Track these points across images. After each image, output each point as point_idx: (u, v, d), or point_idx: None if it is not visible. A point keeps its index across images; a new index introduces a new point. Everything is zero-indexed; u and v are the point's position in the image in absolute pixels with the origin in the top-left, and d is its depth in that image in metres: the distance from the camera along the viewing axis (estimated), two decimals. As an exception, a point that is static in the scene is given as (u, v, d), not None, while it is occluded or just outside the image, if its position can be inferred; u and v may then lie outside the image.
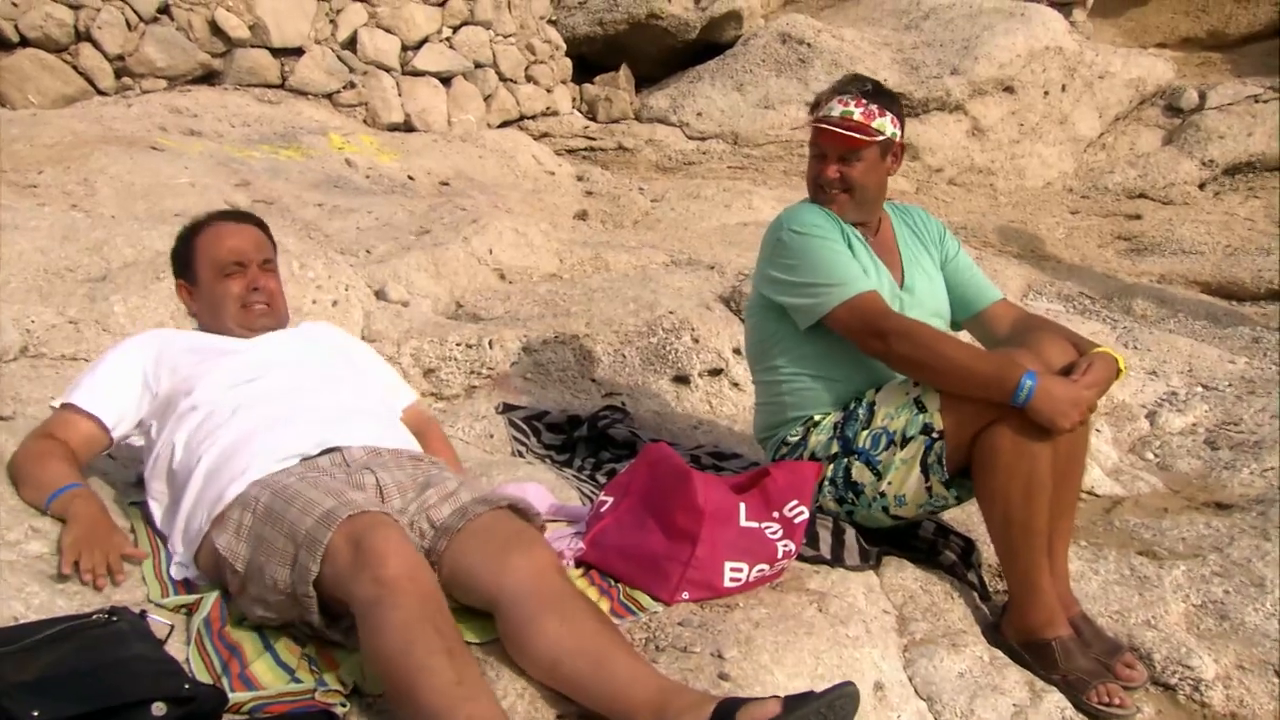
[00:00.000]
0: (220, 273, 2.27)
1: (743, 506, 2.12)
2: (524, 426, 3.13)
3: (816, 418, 2.48)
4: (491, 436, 3.06)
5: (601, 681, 1.60)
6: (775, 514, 2.15)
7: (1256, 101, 8.53)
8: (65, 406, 2.15)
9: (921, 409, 2.28)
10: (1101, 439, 3.52)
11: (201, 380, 2.13)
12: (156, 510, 2.10)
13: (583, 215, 6.26)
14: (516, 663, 1.71)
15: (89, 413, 2.13)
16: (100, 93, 5.81)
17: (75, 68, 5.74)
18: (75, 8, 5.67)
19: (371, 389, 2.35)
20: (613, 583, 2.09)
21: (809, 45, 8.53)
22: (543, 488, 2.49)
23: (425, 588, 1.62)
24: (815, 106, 2.53)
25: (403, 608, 1.56)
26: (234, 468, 1.95)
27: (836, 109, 2.44)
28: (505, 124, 7.70)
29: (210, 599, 1.89)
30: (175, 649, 1.72)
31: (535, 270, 4.55)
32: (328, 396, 2.17)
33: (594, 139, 8.14)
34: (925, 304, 2.54)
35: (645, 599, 2.03)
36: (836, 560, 2.30)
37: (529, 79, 8.01)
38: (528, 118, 7.95)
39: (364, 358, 2.51)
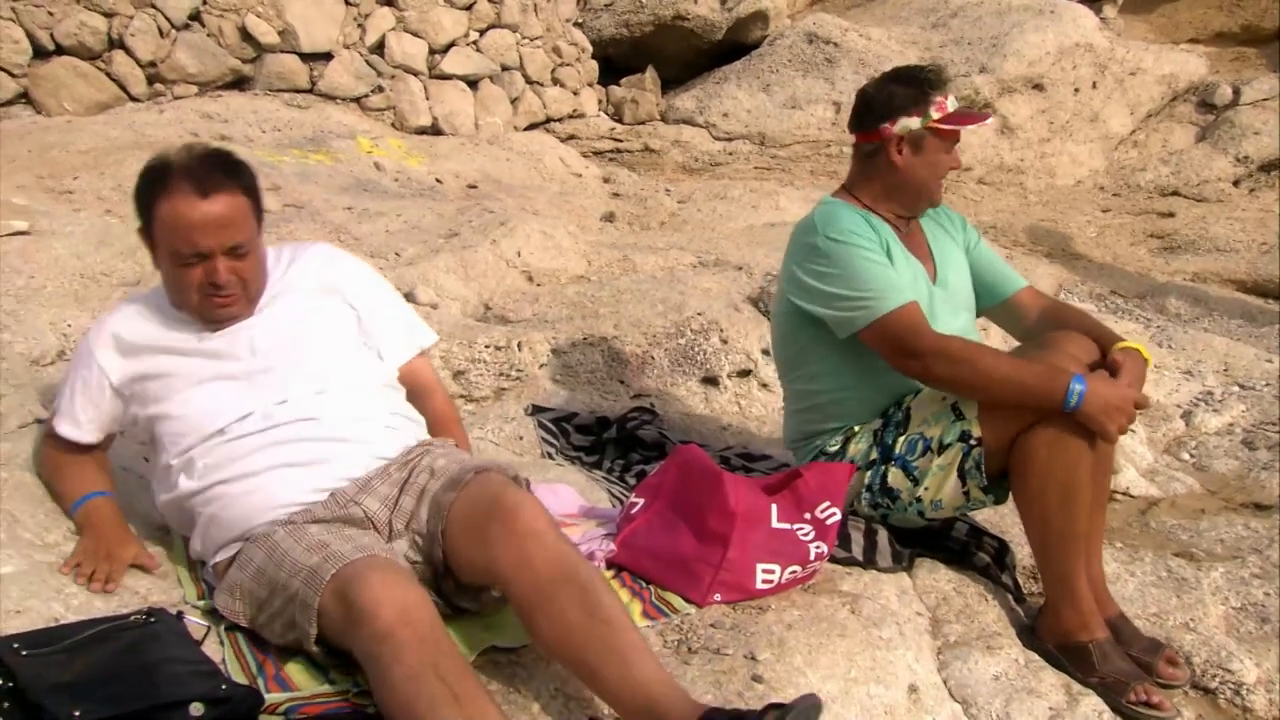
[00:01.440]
0: (177, 262, 1.92)
1: (774, 508, 2.12)
2: (553, 428, 3.14)
3: (856, 428, 2.44)
4: (521, 438, 3.07)
5: (593, 683, 1.63)
6: (807, 515, 2.14)
7: (1292, 97, 8.39)
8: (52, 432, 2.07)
9: (959, 416, 2.25)
10: (1136, 439, 3.48)
11: (183, 429, 1.94)
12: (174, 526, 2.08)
13: (610, 217, 6.26)
14: None
15: (75, 441, 2.06)
16: (133, 99, 5.87)
17: (109, 74, 5.81)
18: (109, 15, 5.73)
19: (370, 369, 2.10)
20: (645, 584, 2.09)
21: (836, 45, 8.49)
22: (572, 489, 2.49)
23: (423, 629, 1.55)
24: (916, 102, 2.41)
25: (402, 661, 1.51)
26: (231, 523, 1.89)
27: (955, 101, 2.45)
28: (532, 126, 7.72)
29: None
30: (211, 650, 1.74)
31: (563, 272, 4.55)
32: (320, 427, 1.94)
33: (620, 141, 8.14)
34: (957, 299, 2.51)
35: (678, 601, 2.03)
36: (869, 562, 2.28)
37: (555, 81, 8.02)
38: (554, 120, 7.96)
39: (367, 299, 2.17)
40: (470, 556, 1.75)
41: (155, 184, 1.91)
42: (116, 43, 5.79)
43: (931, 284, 2.47)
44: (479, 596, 1.85)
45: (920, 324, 2.28)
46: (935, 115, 2.41)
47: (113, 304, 2.13)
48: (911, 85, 2.42)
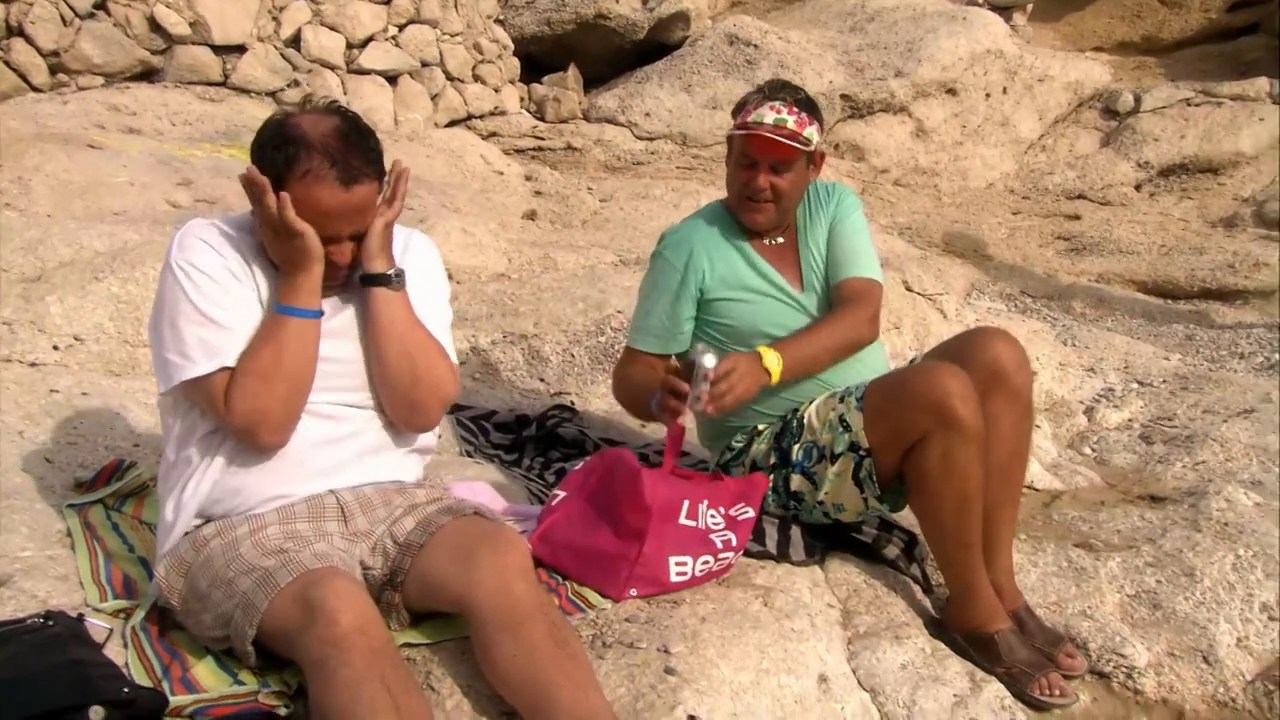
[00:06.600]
0: None
1: (686, 503, 2.14)
2: (472, 426, 3.12)
3: (760, 427, 2.47)
4: (440, 436, 3.04)
5: (545, 703, 1.59)
6: (721, 510, 2.17)
7: (1189, 105, 8.75)
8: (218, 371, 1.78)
9: (846, 428, 2.27)
10: (1041, 434, 3.59)
11: None
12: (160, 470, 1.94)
13: (531, 215, 6.24)
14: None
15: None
16: (34, 89, 5.69)
17: (8, 63, 5.61)
18: (7, 1, 5.54)
19: None
20: (561, 579, 2.09)
21: (756, 47, 8.59)
22: (491, 487, 2.48)
23: (376, 642, 1.56)
24: (740, 110, 2.42)
25: (351, 665, 1.51)
26: (225, 497, 1.83)
27: (769, 116, 2.33)
28: (452, 123, 7.66)
29: (146, 604, 1.86)
30: (114, 652, 1.70)
31: (484, 270, 4.53)
32: (348, 440, 1.91)
33: (542, 139, 8.12)
34: (826, 300, 2.48)
35: (594, 595, 2.04)
36: (782, 555, 2.32)
37: (476, 78, 7.96)
38: (475, 117, 7.91)
39: (429, 314, 1.99)
40: (448, 574, 1.74)
41: (291, 157, 1.76)
42: (16, 30, 5.60)
43: (797, 293, 2.47)
44: (401, 621, 1.84)
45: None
46: (733, 124, 2.43)
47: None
48: (753, 93, 2.42)
